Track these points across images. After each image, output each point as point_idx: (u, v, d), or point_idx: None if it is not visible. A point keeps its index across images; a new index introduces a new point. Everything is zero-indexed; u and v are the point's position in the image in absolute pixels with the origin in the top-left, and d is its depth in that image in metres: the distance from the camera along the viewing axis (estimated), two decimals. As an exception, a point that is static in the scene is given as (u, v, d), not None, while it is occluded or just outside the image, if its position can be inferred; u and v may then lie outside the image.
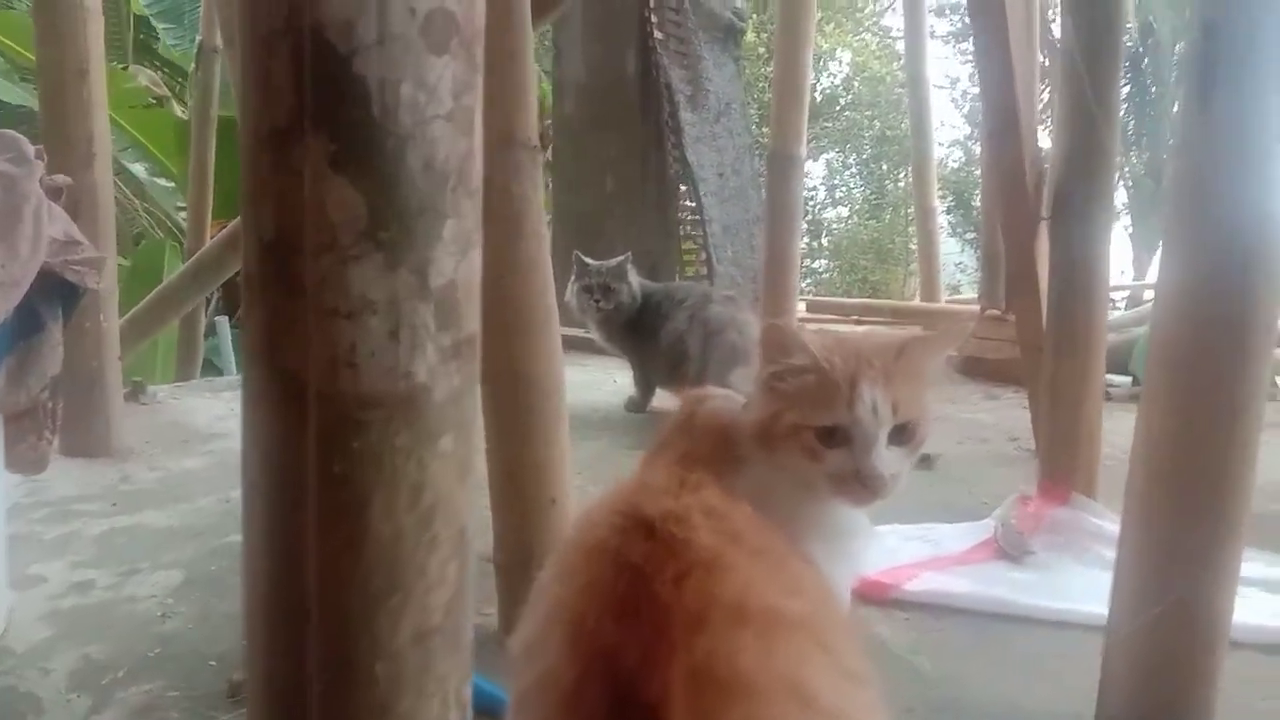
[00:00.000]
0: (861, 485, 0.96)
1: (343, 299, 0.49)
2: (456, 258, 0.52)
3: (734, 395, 1.10)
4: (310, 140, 0.48)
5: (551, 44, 5.37)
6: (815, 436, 0.96)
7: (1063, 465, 2.28)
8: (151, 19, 6.56)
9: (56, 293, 1.74)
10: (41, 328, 1.71)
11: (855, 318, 5.73)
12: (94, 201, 2.70)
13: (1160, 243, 1.47)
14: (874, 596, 1.84)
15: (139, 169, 7.84)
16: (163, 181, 7.70)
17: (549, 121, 3.85)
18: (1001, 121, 2.27)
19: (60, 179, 1.78)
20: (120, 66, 7.94)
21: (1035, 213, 2.30)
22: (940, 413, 3.27)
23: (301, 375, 0.50)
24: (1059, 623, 1.75)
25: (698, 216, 4.65)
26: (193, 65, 5.65)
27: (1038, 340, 2.42)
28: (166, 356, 5.73)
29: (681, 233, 4.80)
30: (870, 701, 0.89)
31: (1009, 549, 2.09)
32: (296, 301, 0.50)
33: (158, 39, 7.80)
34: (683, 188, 4.74)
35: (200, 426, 3.19)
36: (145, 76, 8.17)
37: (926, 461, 2.72)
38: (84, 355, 2.72)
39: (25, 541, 2.10)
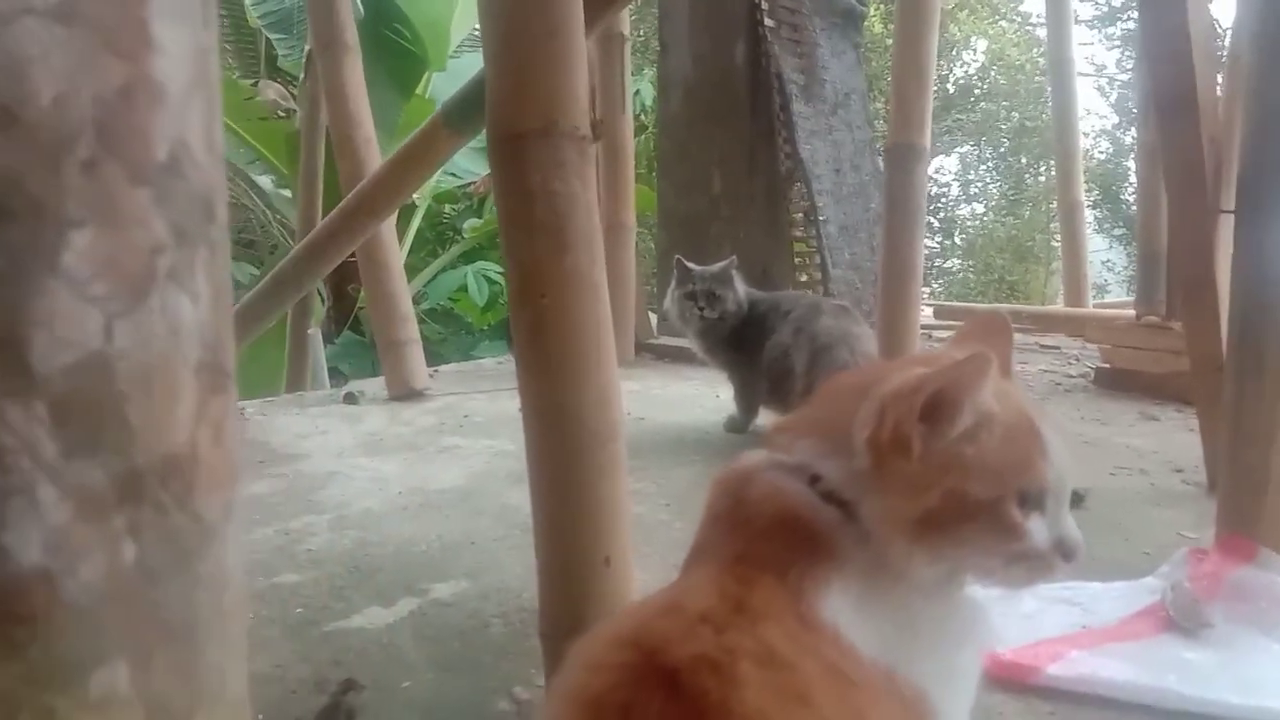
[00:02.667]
0: (1065, 557, 0.74)
1: None
2: (108, 307, 0.25)
3: (782, 458, 0.80)
4: None
5: (658, 41, 5.11)
6: (1016, 506, 0.71)
7: (1247, 512, 1.87)
8: (264, 29, 6.66)
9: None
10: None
11: (989, 324, 5.24)
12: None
13: None
14: (1010, 681, 1.49)
15: (265, 181, 8.04)
16: (286, 193, 7.85)
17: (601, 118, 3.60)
18: (1175, 93, 1.87)
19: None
20: (251, 82, 8.16)
21: (1213, 204, 1.88)
22: (1089, 436, 2.82)
23: None
24: (1250, 726, 1.37)
25: (811, 216, 4.30)
26: (301, 74, 5.66)
27: (1215, 357, 2.01)
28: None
29: (794, 234, 4.45)
30: None
31: (1181, 620, 1.69)
32: None
33: (289, 51, 7.96)
34: (796, 185, 4.39)
35: (278, 446, 3.07)
36: (274, 90, 8.35)
37: (1076, 499, 2.31)
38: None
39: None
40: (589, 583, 1.36)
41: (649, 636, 0.67)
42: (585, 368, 1.34)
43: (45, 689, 0.26)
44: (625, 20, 4.32)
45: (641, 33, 9.56)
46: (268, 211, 8.64)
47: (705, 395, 3.61)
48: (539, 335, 1.34)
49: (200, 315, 0.30)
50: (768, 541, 0.74)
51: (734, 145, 4.57)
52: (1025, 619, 1.68)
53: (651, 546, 2.12)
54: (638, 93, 8.55)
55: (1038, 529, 0.72)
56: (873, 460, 0.74)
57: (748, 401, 3.01)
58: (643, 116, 9.08)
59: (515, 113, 1.31)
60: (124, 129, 0.28)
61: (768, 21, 4.33)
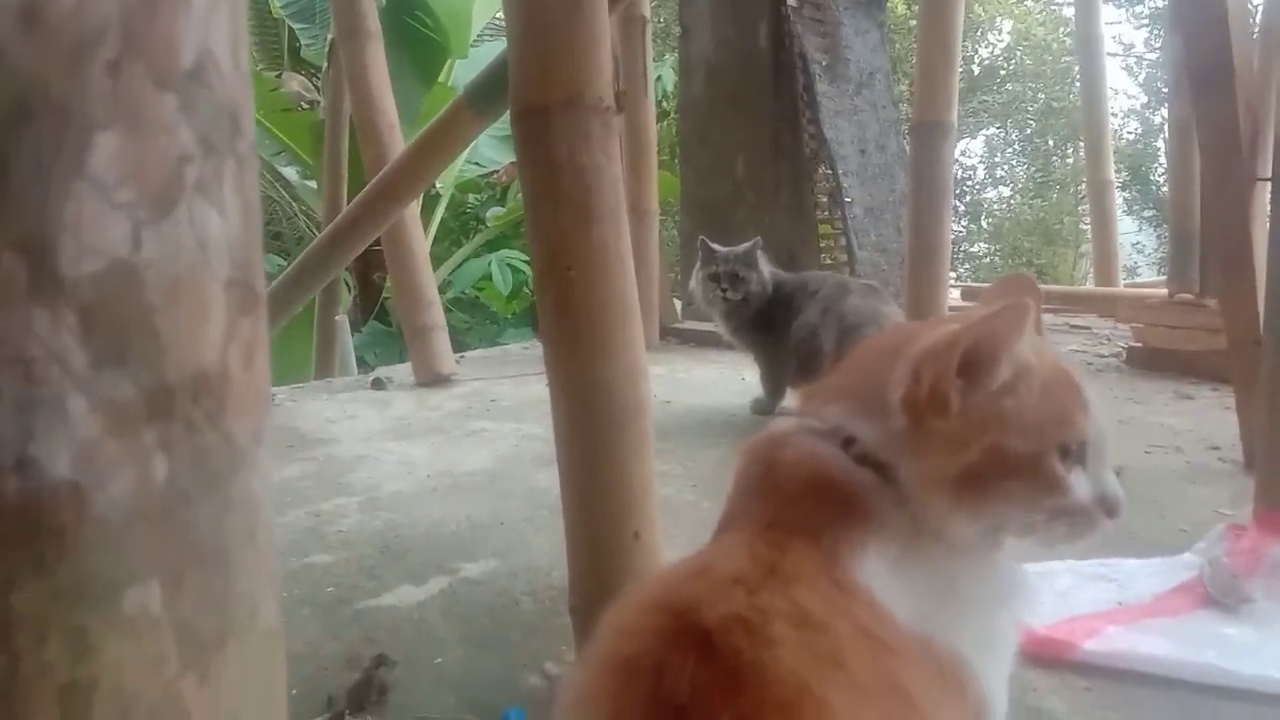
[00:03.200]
0: (1108, 512, 0.72)
1: None
2: (135, 214, 0.25)
3: (813, 422, 0.79)
4: None
5: (679, 24, 5.08)
6: (1058, 460, 0.70)
7: (1288, 487, 1.83)
8: (287, 20, 6.69)
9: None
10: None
11: (1018, 305, 5.17)
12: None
13: None
14: (1045, 657, 1.48)
15: (290, 173, 8.09)
16: (311, 184, 7.89)
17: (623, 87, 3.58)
18: (1210, 62, 1.83)
19: None
20: (275, 74, 8.20)
21: (1250, 172, 1.84)
22: (1123, 415, 2.78)
23: None
24: (1294, 702, 1.34)
25: (836, 198, 4.26)
26: (325, 63, 5.68)
27: (1252, 331, 1.98)
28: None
29: (819, 216, 4.41)
30: None
31: (1220, 595, 1.66)
32: None
33: (313, 44, 7.97)
34: (820, 168, 4.35)
35: (308, 431, 3.09)
36: (297, 82, 8.39)
37: (1107, 476, 2.28)
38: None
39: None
40: (618, 557, 1.35)
41: (680, 599, 0.66)
42: (612, 340, 1.33)
43: (75, 607, 0.26)
44: (646, 3, 4.29)
45: (662, 19, 9.51)
46: (294, 203, 8.71)
47: (731, 378, 3.59)
48: (565, 308, 1.33)
49: (229, 230, 0.30)
50: (800, 506, 0.73)
51: (757, 128, 4.53)
52: (1060, 596, 1.66)
53: (679, 527, 2.11)
54: (659, 79, 8.51)
55: (1080, 483, 0.71)
56: (910, 419, 0.72)
57: (774, 383, 2.99)
58: (664, 103, 9.04)
59: (540, 85, 1.30)
60: (149, 32, 0.27)
61: (790, 1, 4.29)
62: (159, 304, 0.27)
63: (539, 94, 1.30)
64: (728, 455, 2.63)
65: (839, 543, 0.70)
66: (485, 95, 2.46)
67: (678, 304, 4.93)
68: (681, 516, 2.21)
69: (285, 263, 8.32)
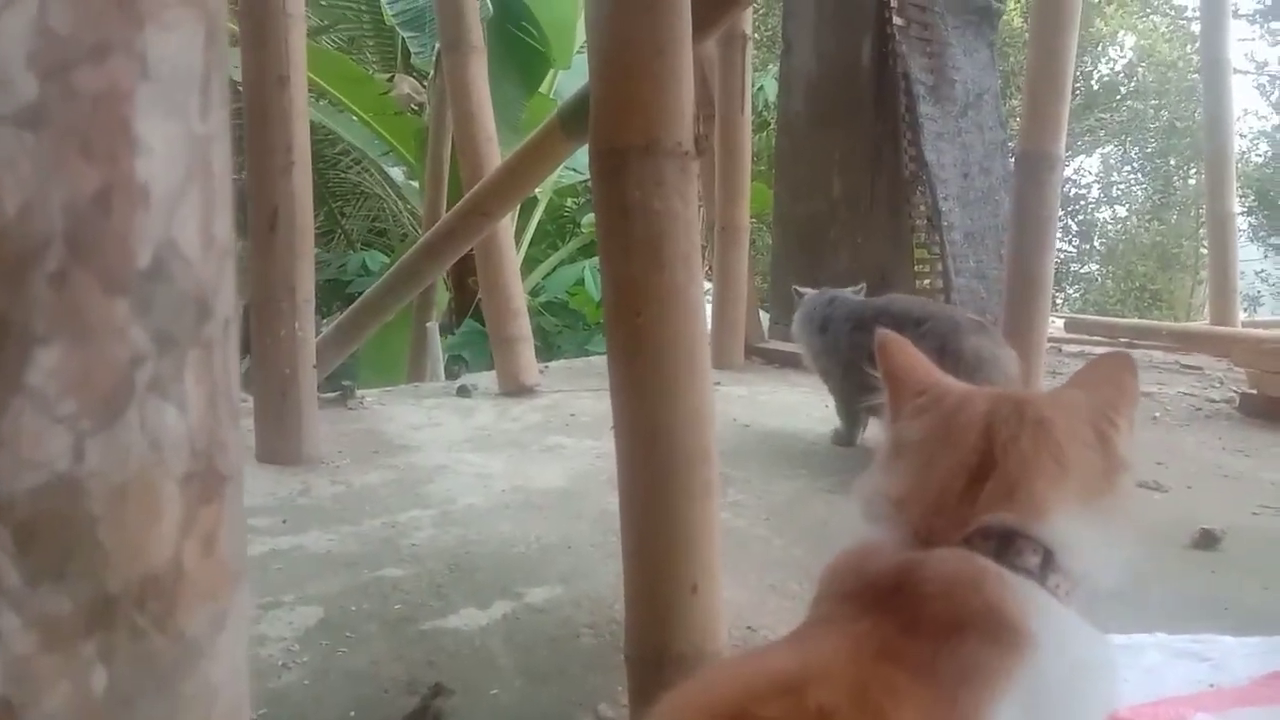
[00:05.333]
0: None
1: None
2: (78, 425, 0.24)
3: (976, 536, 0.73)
4: None
5: (781, 37, 5.02)
6: None
7: None
8: (398, 27, 6.86)
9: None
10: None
11: (1125, 341, 4.94)
12: (291, 209, 2.68)
13: None
14: (1123, 743, 1.39)
15: (397, 173, 8.32)
16: (415, 184, 8.10)
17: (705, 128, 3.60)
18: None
19: None
20: (387, 77, 8.44)
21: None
22: (1229, 469, 2.62)
23: None
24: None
25: (935, 222, 4.14)
26: (431, 72, 5.81)
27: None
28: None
29: (915, 240, 4.30)
30: None
31: (1323, 686, 1.54)
32: None
33: (424, 48, 8.16)
34: (919, 191, 4.24)
35: (392, 436, 3.15)
36: (408, 84, 8.61)
37: (1209, 540, 2.15)
38: (277, 363, 2.73)
39: (188, 559, 2.07)
40: (675, 609, 1.33)
41: (738, 704, 0.62)
42: (679, 388, 1.31)
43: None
44: (748, 18, 4.25)
45: (769, 26, 9.42)
46: (399, 202, 8.96)
47: (814, 404, 3.51)
48: (632, 354, 1.32)
49: (189, 423, 0.29)
50: (942, 643, 0.64)
51: (856, 147, 4.45)
52: (1147, 673, 1.57)
53: (749, 563, 2.08)
54: (760, 88, 8.45)
55: None
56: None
57: (852, 413, 2.90)
58: (764, 113, 8.97)
59: (618, 129, 1.29)
60: (98, 237, 0.27)
61: (896, 20, 4.19)
62: (102, 514, 0.27)
63: (616, 137, 1.29)
64: (805, 488, 2.59)
65: (981, 703, 0.62)
66: (576, 118, 2.47)
67: (765, 319, 4.87)
68: (752, 551, 2.18)
69: (388, 259, 8.57)
